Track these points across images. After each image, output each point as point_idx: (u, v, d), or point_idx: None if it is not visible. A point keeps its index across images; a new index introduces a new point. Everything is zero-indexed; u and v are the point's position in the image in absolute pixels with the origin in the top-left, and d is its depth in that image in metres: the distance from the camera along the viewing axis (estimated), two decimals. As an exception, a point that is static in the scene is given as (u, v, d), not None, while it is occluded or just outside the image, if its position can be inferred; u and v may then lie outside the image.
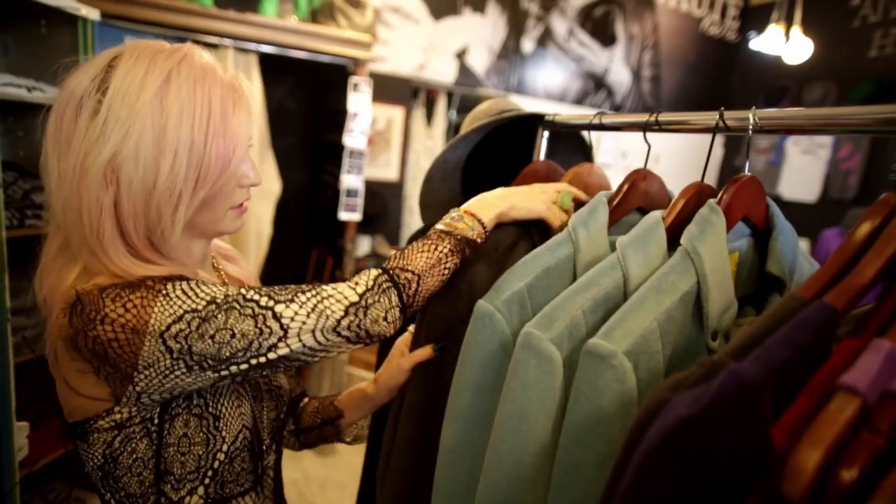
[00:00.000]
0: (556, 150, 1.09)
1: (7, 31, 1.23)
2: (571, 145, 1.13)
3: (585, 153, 1.12)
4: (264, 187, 2.44)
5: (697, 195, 0.67)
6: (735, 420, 0.30)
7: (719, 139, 4.24)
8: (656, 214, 0.68)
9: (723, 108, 0.64)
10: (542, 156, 1.03)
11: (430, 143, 3.47)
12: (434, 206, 1.14)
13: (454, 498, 0.70)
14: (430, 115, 3.55)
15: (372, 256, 3.10)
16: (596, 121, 0.86)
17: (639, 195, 0.80)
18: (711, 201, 0.63)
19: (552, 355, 0.59)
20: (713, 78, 4.29)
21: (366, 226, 3.01)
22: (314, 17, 2.56)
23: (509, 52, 3.53)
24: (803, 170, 3.74)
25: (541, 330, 0.60)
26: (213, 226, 0.67)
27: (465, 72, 3.41)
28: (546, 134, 1.03)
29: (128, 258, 0.61)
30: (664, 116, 0.72)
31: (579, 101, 3.82)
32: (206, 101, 0.60)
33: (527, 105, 1.21)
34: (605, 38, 3.81)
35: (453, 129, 3.98)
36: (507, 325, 0.66)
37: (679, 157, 3.30)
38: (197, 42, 2.01)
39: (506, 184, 1.00)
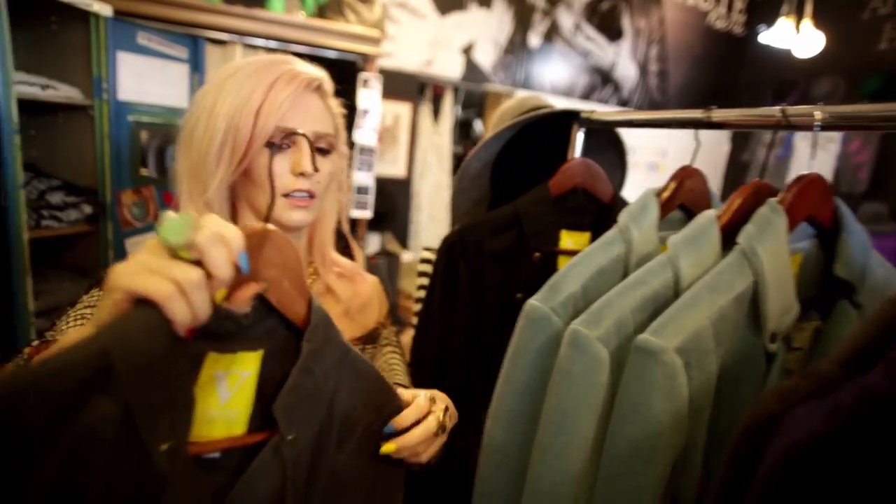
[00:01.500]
0: (588, 147, 1.07)
1: (18, 29, 1.20)
2: (602, 142, 1.11)
3: (618, 151, 1.10)
4: (274, 185, 2.41)
5: (755, 194, 0.65)
6: (876, 438, 0.28)
7: (725, 134, 4.22)
8: (710, 214, 0.66)
9: (784, 105, 0.62)
10: (577, 153, 1.01)
11: (437, 139, 3.45)
12: (464, 204, 1.12)
13: (499, 497, 0.70)
14: (436, 111, 3.53)
15: (382, 254, 3.08)
16: (637, 118, 0.84)
17: (684, 192, 0.78)
18: (772, 200, 0.61)
19: (599, 353, 0.59)
20: (720, 72, 4.27)
21: (375, 223, 2.98)
22: (322, 12, 2.53)
23: (516, 47, 3.50)
24: (812, 164, 3.73)
25: (588, 328, 0.60)
26: (262, 207, 0.69)
27: (471, 67, 3.38)
28: (581, 131, 1.00)
29: None
30: (718, 114, 0.70)
31: (586, 96, 3.79)
32: (254, 83, 0.66)
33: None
34: (612, 32, 3.78)
35: (459, 124, 3.96)
36: (564, 326, 0.65)
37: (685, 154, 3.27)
38: (208, 39, 1.98)
39: (539, 182, 0.99)
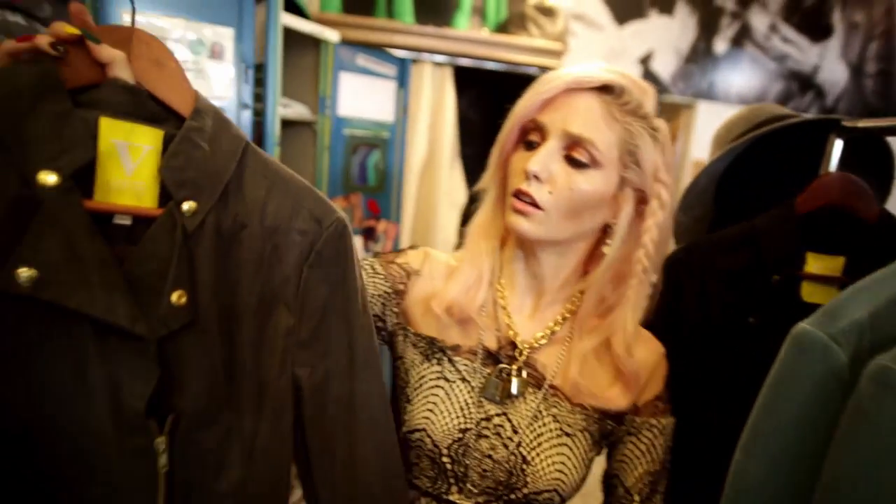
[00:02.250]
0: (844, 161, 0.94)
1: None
2: (861, 157, 0.96)
3: (885, 165, 0.94)
4: (451, 196, 2.51)
5: None
6: None
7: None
8: None
9: None
10: (832, 167, 0.89)
11: (606, 152, 3.32)
12: (686, 221, 1.05)
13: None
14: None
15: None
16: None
17: None
18: None
19: (918, 396, 0.50)
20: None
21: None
22: (504, 28, 2.59)
23: (699, 55, 3.26)
24: None
25: (900, 365, 0.51)
26: (507, 200, 0.67)
27: (648, 78, 3.22)
28: (839, 143, 0.88)
29: None
30: None
31: (780, 104, 3.39)
32: (529, 92, 0.65)
33: (720, 111, 1.07)
34: (817, 30, 3.33)
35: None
36: (845, 356, 0.58)
37: None
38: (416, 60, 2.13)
39: (774, 199, 0.89)
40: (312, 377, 0.58)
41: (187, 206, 0.49)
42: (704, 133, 3.27)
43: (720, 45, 3.26)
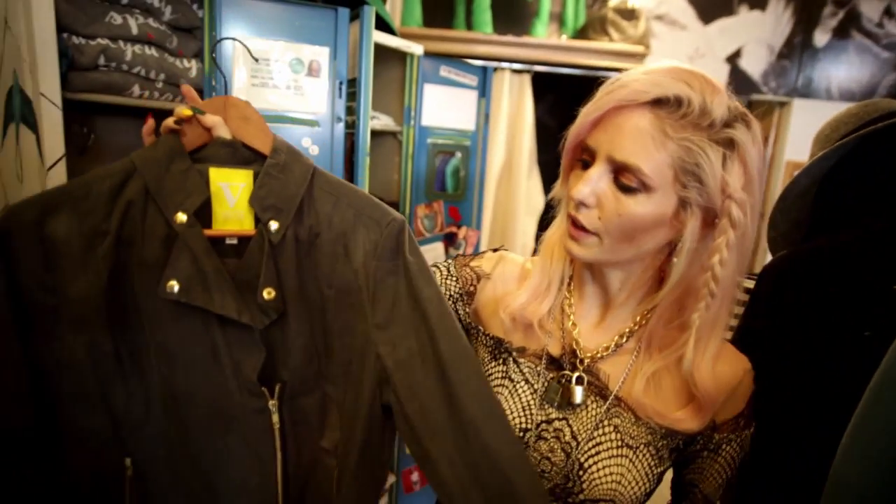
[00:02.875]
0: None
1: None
2: None
3: None
4: (530, 203, 2.52)
5: None
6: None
7: None
8: None
9: None
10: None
11: (691, 155, 3.19)
12: (782, 225, 1.00)
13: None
14: (691, 126, 3.27)
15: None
16: None
17: None
18: None
19: None
20: None
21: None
22: (583, 33, 2.57)
23: (794, 50, 3.06)
24: None
25: None
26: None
27: (737, 76, 3.06)
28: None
29: None
30: None
31: (893, 98, 3.10)
32: (595, 96, 0.63)
33: (818, 109, 0.99)
34: (938, 16, 3.02)
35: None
36: None
37: None
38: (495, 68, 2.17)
39: (886, 204, 0.83)
40: (394, 354, 0.66)
41: (271, 224, 0.64)
42: (799, 133, 3.06)
43: (821, 37, 3.04)
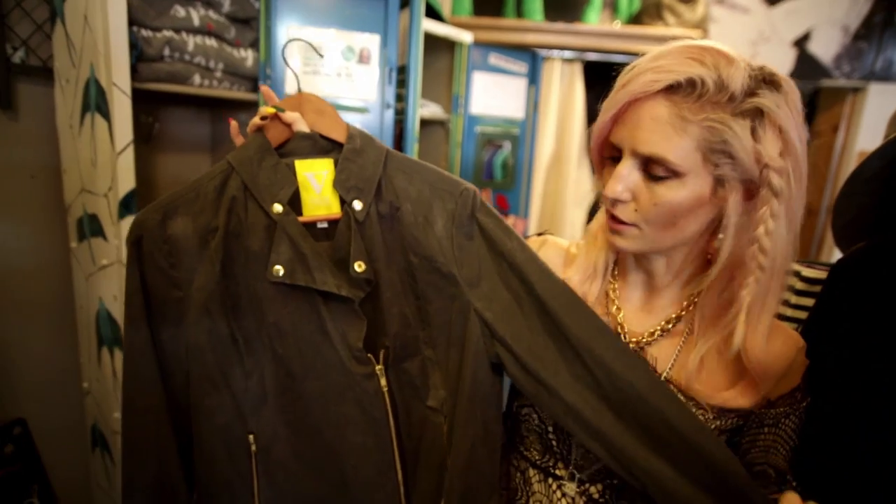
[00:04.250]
0: None
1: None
2: None
3: None
4: (578, 193, 2.47)
5: None
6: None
7: None
8: None
9: None
10: None
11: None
12: (848, 212, 0.94)
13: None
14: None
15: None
16: None
17: None
18: None
19: None
20: None
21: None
22: (637, 19, 2.49)
23: (873, 30, 2.85)
24: None
25: None
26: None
27: (805, 61, 2.89)
28: None
29: None
30: None
31: (984, 82, 2.84)
32: (619, 85, 0.62)
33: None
34: None
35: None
36: None
37: None
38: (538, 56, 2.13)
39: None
40: (491, 307, 0.70)
41: (355, 204, 0.68)
42: (875, 121, 2.86)
43: (902, 16, 2.82)
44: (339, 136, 0.71)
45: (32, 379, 1.51)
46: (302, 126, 0.71)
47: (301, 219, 0.69)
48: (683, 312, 0.69)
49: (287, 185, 0.68)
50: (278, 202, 0.67)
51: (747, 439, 0.69)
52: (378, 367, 0.70)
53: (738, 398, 0.65)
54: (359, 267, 0.67)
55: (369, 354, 0.69)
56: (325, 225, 0.72)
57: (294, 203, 0.69)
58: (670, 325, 0.69)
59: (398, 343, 0.71)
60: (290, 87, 1.35)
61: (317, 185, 0.70)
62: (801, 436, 0.68)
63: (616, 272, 0.75)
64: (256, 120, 0.70)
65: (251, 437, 0.68)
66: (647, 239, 0.63)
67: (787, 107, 0.56)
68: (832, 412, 0.69)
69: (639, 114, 0.58)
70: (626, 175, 0.60)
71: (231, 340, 0.67)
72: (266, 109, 0.70)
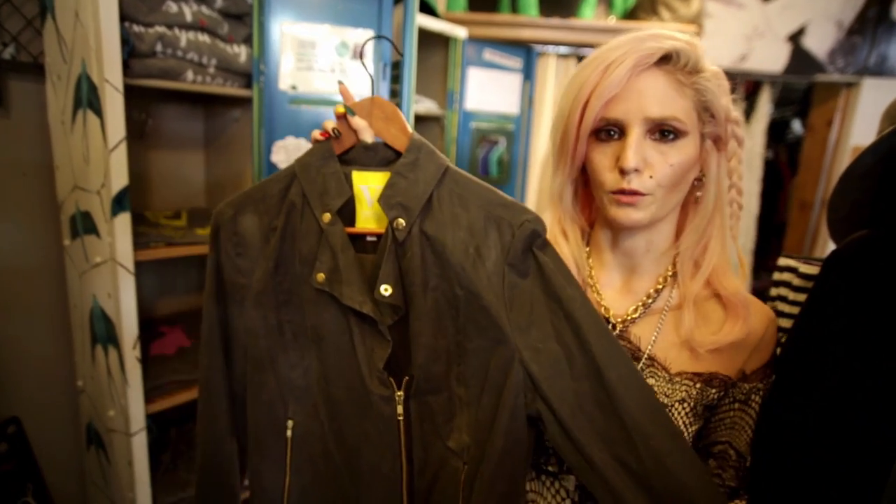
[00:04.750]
0: None
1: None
2: None
3: None
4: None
5: None
6: None
7: None
8: None
9: None
10: None
11: (748, 142, 3.05)
12: (842, 208, 0.94)
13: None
14: (747, 111, 3.13)
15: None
16: None
17: None
18: None
19: None
20: None
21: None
22: (633, 14, 2.49)
23: (867, 25, 2.86)
24: None
25: None
26: (600, 205, 0.69)
27: (799, 56, 2.89)
28: None
29: None
30: None
31: (977, 77, 2.86)
32: (590, 69, 0.64)
33: (893, 88, 0.90)
34: None
35: (771, 126, 3.43)
36: None
37: None
38: (533, 51, 2.12)
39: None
40: (538, 358, 0.64)
41: (398, 222, 0.66)
42: (869, 115, 2.87)
43: (897, 11, 2.82)
44: (401, 147, 0.68)
45: (26, 377, 1.50)
46: (366, 135, 0.70)
47: (352, 230, 0.70)
48: (660, 287, 0.72)
49: (339, 195, 0.68)
50: (328, 211, 0.67)
51: (718, 416, 0.71)
52: (398, 394, 0.68)
53: (730, 333, 0.68)
54: (385, 290, 0.65)
55: (391, 378, 0.67)
56: (373, 238, 0.71)
57: (350, 213, 0.70)
58: (650, 301, 0.72)
59: (423, 375, 0.67)
60: (283, 84, 1.34)
61: (369, 198, 0.70)
62: (782, 434, 0.69)
63: (590, 260, 0.77)
64: (328, 126, 0.70)
65: (290, 422, 0.72)
66: (658, 204, 0.65)
67: (723, 77, 0.68)
68: (822, 405, 0.69)
69: (640, 86, 0.63)
70: (638, 144, 0.63)
71: (279, 332, 0.71)
72: (337, 108, 0.69)
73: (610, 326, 0.71)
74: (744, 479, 0.70)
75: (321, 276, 0.67)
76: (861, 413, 0.67)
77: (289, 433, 0.72)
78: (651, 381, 0.69)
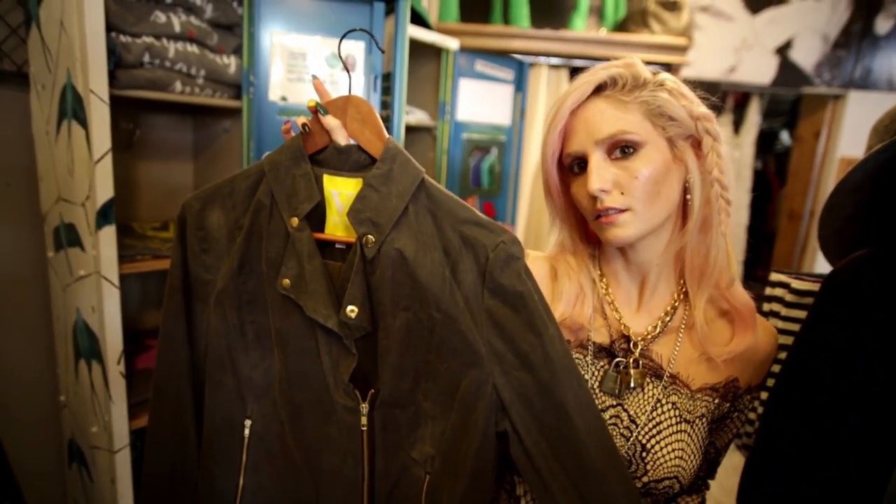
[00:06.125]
0: None
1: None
2: None
3: None
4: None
5: None
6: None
7: None
8: None
9: None
10: None
11: (736, 153, 3.08)
12: (834, 222, 0.94)
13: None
14: (736, 123, 3.16)
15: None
16: None
17: None
18: None
19: None
20: None
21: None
22: (623, 26, 2.51)
23: (852, 38, 2.90)
24: None
25: None
26: (591, 226, 0.71)
27: (786, 69, 2.93)
28: None
29: None
30: None
31: (961, 90, 2.91)
32: (552, 114, 0.70)
33: (877, 101, 0.91)
34: None
35: (761, 136, 3.47)
36: None
37: None
38: (524, 63, 2.13)
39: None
40: (510, 386, 0.63)
41: (366, 239, 0.63)
42: (855, 127, 2.90)
43: (883, 23, 2.87)
44: (376, 153, 0.64)
45: (7, 391, 1.46)
46: (340, 136, 0.65)
47: (320, 236, 0.66)
48: (677, 303, 0.73)
49: (308, 199, 0.64)
50: (296, 216, 0.64)
51: (720, 426, 0.76)
52: (363, 405, 0.66)
53: (741, 342, 0.70)
54: (351, 312, 0.62)
55: (356, 390, 0.66)
56: (342, 246, 0.68)
57: (319, 216, 0.66)
58: (668, 319, 0.73)
59: (389, 390, 0.66)
60: (273, 95, 1.33)
61: (340, 204, 0.66)
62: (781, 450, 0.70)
63: (604, 280, 0.77)
64: (299, 121, 0.66)
65: (248, 421, 0.70)
66: (641, 218, 0.66)
67: (677, 82, 0.70)
68: (826, 425, 0.69)
69: (584, 116, 0.67)
70: (600, 167, 0.66)
71: (240, 332, 0.69)
72: (310, 102, 0.64)
73: (631, 345, 0.72)
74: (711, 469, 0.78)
75: (286, 282, 0.64)
76: (863, 431, 0.67)
77: (246, 432, 0.70)
78: (674, 398, 0.70)
